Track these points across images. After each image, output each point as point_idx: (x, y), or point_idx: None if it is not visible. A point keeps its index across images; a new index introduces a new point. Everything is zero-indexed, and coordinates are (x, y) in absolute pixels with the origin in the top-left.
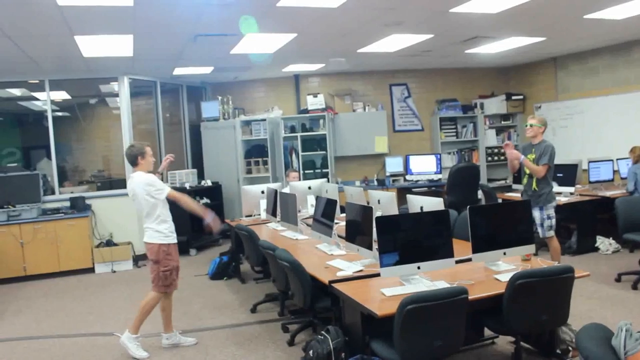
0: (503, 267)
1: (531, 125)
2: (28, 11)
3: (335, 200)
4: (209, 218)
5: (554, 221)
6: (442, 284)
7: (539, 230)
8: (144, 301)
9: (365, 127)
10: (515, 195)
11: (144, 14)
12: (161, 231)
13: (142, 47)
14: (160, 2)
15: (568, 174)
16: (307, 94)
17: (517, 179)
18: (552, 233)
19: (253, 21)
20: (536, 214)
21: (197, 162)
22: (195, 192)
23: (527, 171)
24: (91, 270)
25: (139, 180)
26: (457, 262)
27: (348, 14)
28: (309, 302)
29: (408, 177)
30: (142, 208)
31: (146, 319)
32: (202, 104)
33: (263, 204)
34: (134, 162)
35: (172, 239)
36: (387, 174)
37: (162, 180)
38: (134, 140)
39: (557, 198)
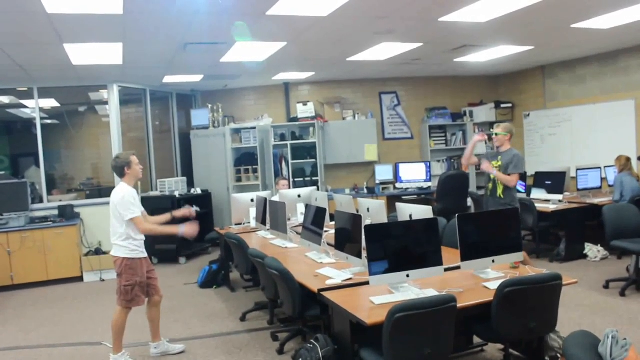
0: (492, 274)
1: (497, 134)
2: (17, 19)
3: (325, 209)
4: (180, 231)
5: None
6: (431, 292)
7: None
8: (113, 321)
9: (355, 135)
10: None
11: (133, 22)
12: (125, 246)
13: (131, 55)
14: (150, 11)
15: (556, 181)
16: (297, 102)
17: None
18: None
19: (246, 29)
20: None
21: (187, 170)
22: (185, 200)
23: (492, 177)
24: (80, 279)
25: (115, 195)
26: (446, 270)
27: (338, 23)
28: (298, 311)
29: (398, 185)
30: (111, 220)
31: (123, 334)
32: (192, 111)
33: (253, 212)
34: (121, 174)
35: (138, 253)
36: (377, 181)
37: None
38: (123, 148)
39: (546, 205)
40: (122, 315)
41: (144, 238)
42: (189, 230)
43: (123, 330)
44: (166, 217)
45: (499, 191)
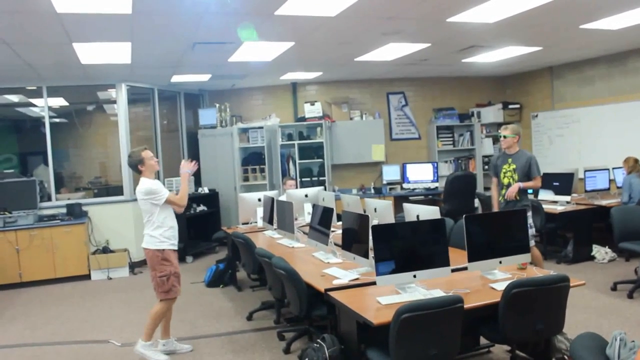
0: (499, 275)
1: (505, 137)
2: (27, 18)
3: (332, 209)
4: (182, 171)
5: (534, 230)
6: (438, 293)
7: None
8: (152, 311)
9: (362, 135)
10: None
11: (142, 22)
12: (155, 236)
13: (140, 55)
14: (159, 11)
15: (564, 182)
16: (304, 101)
17: None
18: (533, 242)
19: (253, 30)
20: None
21: (195, 171)
22: (192, 200)
23: (507, 182)
24: (87, 277)
25: (140, 188)
26: (453, 270)
27: (346, 23)
28: (305, 310)
29: (405, 185)
30: (143, 216)
31: (158, 326)
32: (199, 111)
33: (260, 211)
34: (137, 171)
35: (168, 245)
36: (384, 182)
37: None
38: (131, 146)
39: (554, 207)
40: (162, 308)
41: (176, 227)
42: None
43: (159, 321)
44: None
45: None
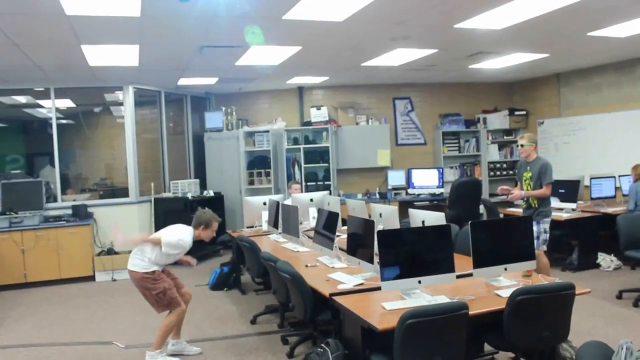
0: (504, 282)
1: (522, 146)
2: (37, 20)
3: (337, 213)
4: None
5: (547, 236)
6: (442, 299)
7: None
8: (164, 321)
9: (368, 140)
10: (517, 211)
11: (150, 25)
12: (145, 261)
13: (147, 57)
14: (167, 14)
15: (570, 190)
16: (310, 106)
17: None
18: (544, 247)
19: (259, 32)
20: (533, 227)
21: (200, 172)
22: (197, 203)
23: (526, 189)
24: (92, 278)
25: (179, 233)
26: (458, 277)
27: (353, 28)
28: (309, 315)
29: (410, 190)
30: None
31: (168, 336)
32: (206, 114)
33: (265, 215)
34: (196, 225)
35: (157, 267)
36: (389, 187)
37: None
38: (137, 149)
39: (559, 214)
40: (173, 318)
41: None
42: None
43: (169, 333)
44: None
45: (532, 201)
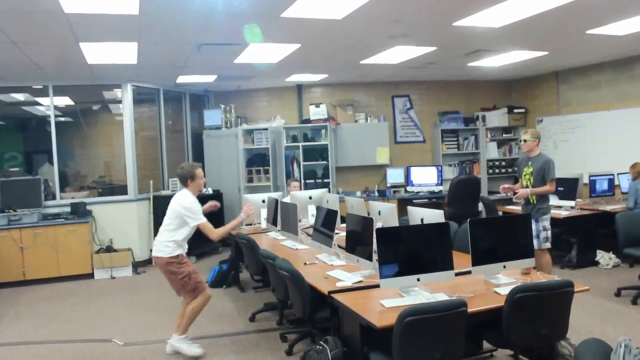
0: (503, 280)
1: (525, 141)
2: (35, 18)
3: (336, 211)
4: (243, 218)
5: (549, 233)
6: (441, 297)
7: (534, 241)
8: (190, 306)
9: (367, 137)
10: (516, 208)
11: (149, 22)
12: (170, 245)
13: (146, 55)
14: (166, 11)
15: (569, 187)
16: (309, 103)
17: None
18: (548, 245)
19: (258, 30)
20: (532, 225)
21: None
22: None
23: (525, 184)
24: (90, 276)
25: (182, 200)
26: (457, 274)
27: (352, 26)
28: (308, 312)
29: (409, 188)
30: (166, 221)
31: (194, 321)
32: (204, 112)
33: (264, 213)
34: (183, 183)
35: (182, 250)
36: (388, 185)
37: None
38: (136, 147)
39: (558, 212)
40: (199, 303)
41: (186, 248)
42: (248, 211)
43: (195, 318)
44: (232, 223)
45: (531, 197)
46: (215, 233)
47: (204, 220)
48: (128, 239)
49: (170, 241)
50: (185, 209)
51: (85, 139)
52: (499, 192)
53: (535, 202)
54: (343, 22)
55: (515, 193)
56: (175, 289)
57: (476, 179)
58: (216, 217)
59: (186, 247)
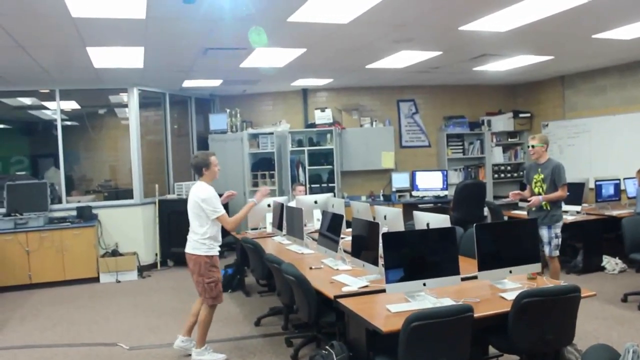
0: (509, 285)
1: (533, 147)
2: (42, 22)
3: (342, 215)
4: (256, 203)
5: (560, 241)
6: (447, 301)
7: (546, 248)
8: (200, 319)
9: (372, 142)
10: (522, 213)
11: (155, 27)
12: (205, 243)
13: (152, 60)
14: (172, 16)
15: (575, 192)
16: (314, 108)
17: None
18: (557, 252)
19: (263, 35)
20: (544, 232)
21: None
22: None
23: (537, 191)
24: (96, 279)
25: (197, 192)
26: (463, 279)
27: (358, 30)
28: (313, 317)
29: (414, 193)
30: (191, 218)
31: (208, 331)
32: (210, 116)
33: (269, 217)
34: (199, 172)
35: (215, 251)
36: (393, 189)
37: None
38: (142, 151)
39: (564, 217)
40: (208, 314)
41: (221, 241)
42: (260, 195)
43: (208, 328)
44: (246, 207)
45: (544, 204)
46: (230, 223)
47: (223, 212)
48: (134, 243)
49: (205, 238)
50: (203, 200)
51: (91, 142)
52: (504, 197)
53: (548, 208)
54: (349, 26)
55: (526, 201)
56: (198, 291)
57: (481, 184)
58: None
59: (220, 239)
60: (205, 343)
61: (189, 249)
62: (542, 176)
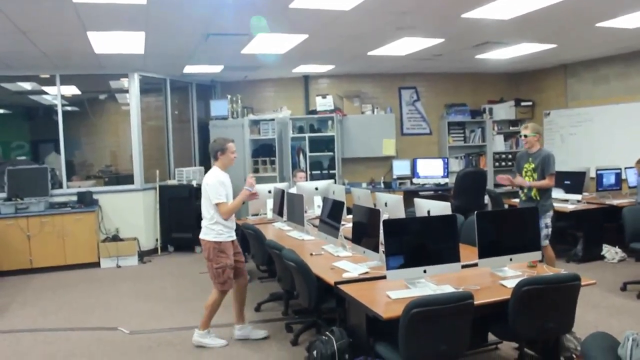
0: (509, 273)
1: (526, 136)
2: (43, 7)
3: (343, 202)
4: (250, 190)
5: (550, 230)
6: (447, 289)
7: None
8: (208, 301)
9: (373, 129)
10: None
11: (157, 12)
12: (214, 229)
13: (153, 45)
14: (174, 1)
15: (576, 181)
16: (316, 95)
17: None
18: (547, 242)
19: (264, 22)
20: None
21: (205, 160)
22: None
23: (528, 179)
24: (97, 264)
25: (206, 176)
26: (463, 267)
27: (360, 17)
28: (314, 303)
29: (415, 180)
30: (203, 202)
31: (214, 316)
32: (211, 102)
33: (270, 203)
34: (214, 156)
35: (226, 237)
36: (394, 176)
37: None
38: (143, 136)
39: (564, 205)
40: (217, 299)
41: (234, 225)
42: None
43: (214, 313)
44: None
45: (534, 193)
46: (224, 213)
47: (222, 200)
48: (134, 228)
49: (213, 223)
50: (208, 184)
51: (91, 128)
52: (504, 185)
53: (538, 198)
54: (351, 13)
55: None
56: (210, 277)
57: (482, 172)
58: None
59: (233, 225)
60: (209, 326)
61: (201, 234)
62: (532, 165)
